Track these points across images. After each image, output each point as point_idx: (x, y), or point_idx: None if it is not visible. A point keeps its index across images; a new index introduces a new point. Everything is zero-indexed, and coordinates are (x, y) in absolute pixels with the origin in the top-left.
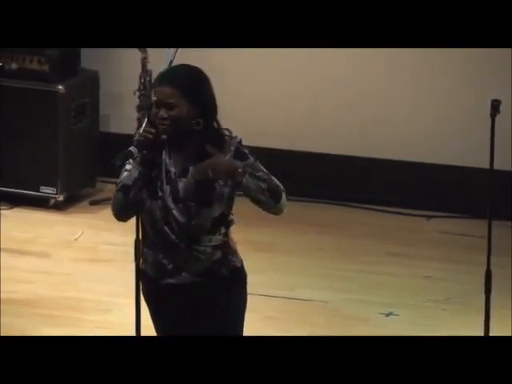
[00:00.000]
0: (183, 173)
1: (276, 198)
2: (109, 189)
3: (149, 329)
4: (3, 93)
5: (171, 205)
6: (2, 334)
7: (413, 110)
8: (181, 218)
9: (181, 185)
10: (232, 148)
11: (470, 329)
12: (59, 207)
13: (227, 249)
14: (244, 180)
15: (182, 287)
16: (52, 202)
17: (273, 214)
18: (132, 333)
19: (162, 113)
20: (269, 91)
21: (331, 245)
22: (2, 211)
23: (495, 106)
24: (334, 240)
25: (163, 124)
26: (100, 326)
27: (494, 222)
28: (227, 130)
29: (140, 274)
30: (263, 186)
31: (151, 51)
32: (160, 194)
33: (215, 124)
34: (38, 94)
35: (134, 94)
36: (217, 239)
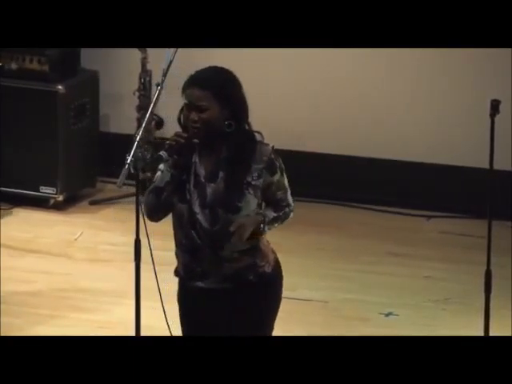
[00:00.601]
0: (212, 177)
1: (281, 223)
2: (109, 189)
3: (149, 329)
4: (3, 93)
5: (197, 209)
6: (2, 334)
7: (413, 110)
8: (205, 223)
9: (209, 190)
10: (264, 158)
11: (470, 329)
12: (59, 207)
13: (256, 253)
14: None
15: (210, 291)
16: (52, 202)
17: None
18: (132, 333)
19: (193, 116)
20: (269, 91)
21: (331, 245)
22: (2, 211)
23: (495, 106)
24: (334, 240)
25: (194, 127)
26: (100, 326)
27: (493, 222)
28: (259, 133)
29: (175, 274)
30: (276, 225)
31: (151, 51)
32: (188, 197)
33: (246, 126)
34: (37, 94)
35: (134, 94)
36: (244, 245)
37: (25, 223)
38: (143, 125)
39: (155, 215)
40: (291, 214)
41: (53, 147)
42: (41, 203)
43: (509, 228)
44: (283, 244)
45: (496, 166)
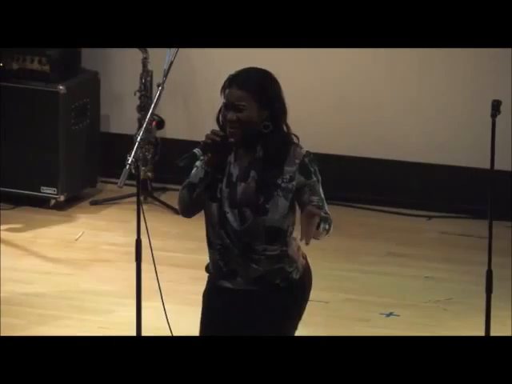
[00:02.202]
0: (244, 177)
1: (328, 233)
2: (109, 189)
3: (150, 329)
4: (4, 93)
5: (227, 209)
6: (3, 334)
7: (413, 110)
8: (234, 223)
9: (239, 189)
10: (297, 161)
11: (471, 329)
12: (60, 207)
13: (285, 259)
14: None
15: (235, 292)
16: (53, 202)
17: None
18: (133, 333)
19: (231, 115)
20: None
21: (332, 245)
22: (4, 211)
23: (496, 107)
24: (334, 240)
25: (232, 127)
26: (101, 327)
27: (494, 223)
28: (295, 136)
29: (206, 271)
30: (327, 227)
31: (152, 51)
32: (219, 195)
33: (285, 128)
34: (38, 94)
35: (135, 94)
36: (273, 249)
37: (26, 223)
38: (144, 125)
39: (187, 211)
40: (332, 227)
41: (53, 147)
42: (42, 203)
43: (509, 228)
44: None
45: (496, 167)
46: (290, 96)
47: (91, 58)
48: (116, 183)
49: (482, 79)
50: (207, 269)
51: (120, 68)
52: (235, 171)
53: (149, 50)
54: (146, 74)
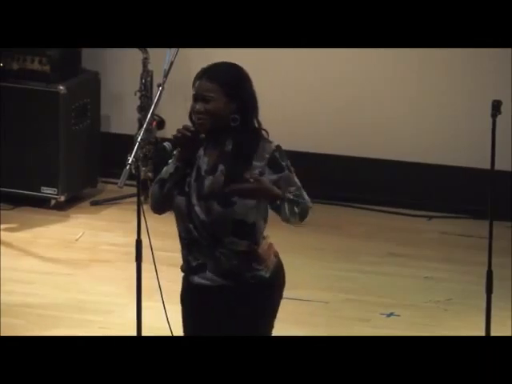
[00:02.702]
0: (212, 170)
1: (303, 217)
2: (110, 189)
3: (150, 329)
4: (4, 93)
5: (194, 201)
6: (3, 334)
7: (413, 110)
8: (202, 215)
9: (207, 182)
10: (267, 155)
11: (471, 329)
12: (60, 208)
13: (253, 257)
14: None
15: (205, 287)
16: (53, 202)
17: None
18: (133, 333)
19: (199, 106)
20: (269, 91)
21: (332, 245)
22: (4, 212)
23: (496, 107)
24: (334, 240)
25: (199, 118)
26: (101, 327)
27: (494, 223)
28: (265, 130)
29: (181, 269)
30: (297, 210)
31: (152, 52)
32: (187, 189)
33: (255, 123)
34: (38, 95)
35: (135, 94)
36: (241, 244)
37: (26, 224)
38: (144, 125)
39: (158, 207)
40: (309, 211)
41: (54, 148)
42: (42, 204)
43: (509, 228)
44: (284, 244)
45: (496, 167)
46: (290, 96)
47: (91, 58)
48: (116, 183)
49: (481, 79)
50: (182, 267)
51: (120, 68)
52: (204, 165)
53: (149, 50)
54: (147, 74)
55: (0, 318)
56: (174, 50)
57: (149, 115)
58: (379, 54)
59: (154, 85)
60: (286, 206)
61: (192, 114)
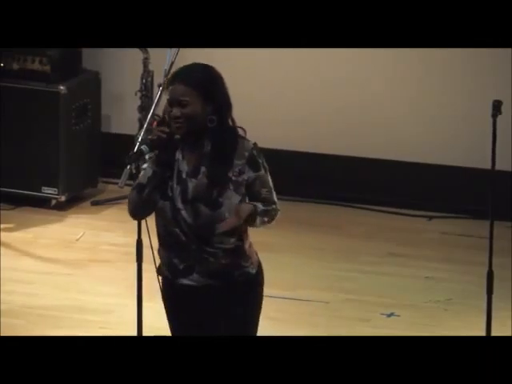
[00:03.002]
0: (195, 173)
1: (270, 222)
2: (110, 189)
3: (151, 329)
4: (5, 93)
5: (180, 205)
6: (3, 334)
7: (413, 110)
8: (189, 219)
9: (191, 185)
10: (246, 153)
11: (471, 329)
12: (61, 208)
13: (240, 254)
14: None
15: (193, 288)
16: (53, 202)
17: None
18: (134, 333)
19: (176, 111)
20: (271, 92)
21: (332, 245)
22: (4, 212)
23: (497, 107)
24: (335, 240)
25: (177, 122)
26: (102, 327)
27: (494, 223)
28: (242, 128)
29: (158, 273)
30: (266, 219)
31: (153, 52)
32: (170, 194)
33: (230, 122)
34: (39, 95)
35: (136, 94)
36: (228, 242)
37: (26, 224)
38: (145, 125)
39: (138, 213)
40: (278, 214)
41: (54, 148)
42: (43, 204)
43: (509, 228)
44: (285, 244)
45: (496, 167)
46: (290, 96)
47: (92, 58)
48: (117, 183)
49: (481, 79)
50: (160, 271)
51: (121, 68)
52: (184, 168)
53: (150, 50)
54: (147, 74)
55: (0, 318)
56: (174, 50)
57: (149, 115)
58: (379, 54)
59: (154, 85)
60: (258, 218)
61: (168, 118)
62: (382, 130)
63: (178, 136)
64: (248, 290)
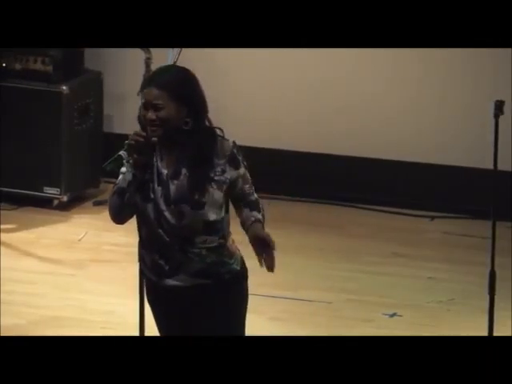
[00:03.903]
0: (175, 175)
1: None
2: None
3: (153, 329)
4: (7, 93)
5: (163, 207)
6: (4, 335)
7: (415, 110)
8: (172, 220)
9: (172, 187)
10: (227, 153)
11: (474, 329)
12: (63, 208)
13: (224, 251)
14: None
15: (181, 288)
16: (56, 202)
17: None
18: (135, 333)
19: (151, 114)
20: (271, 92)
21: (334, 245)
22: (6, 212)
23: (499, 107)
24: (337, 241)
25: (152, 125)
26: (104, 327)
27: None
28: (219, 129)
29: (143, 275)
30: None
31: (155, 51)
32: (152, 196)
33: (207, 123)
34: (41, 95)
35: (138, 94)
36: (212, 241)
37: (28, 224)
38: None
39: (119, 217)
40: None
41: (56, 148)
42: (44, 204)
43: (509, 229)
44: (287, 244)
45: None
46: (290, 96)
47: (94, 58)
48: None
49: (482, 79)
50: (144, 274)
51: (123, 68)
52: (164, 170)
53: (152, 50)
54: (149, 74)
55: (1, 318)
56: (176, 49)
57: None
58: (379, 55)
59: None
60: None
61: (143, 121)
62: (383, 130)
63: (155, 138)
64: (235, 286)
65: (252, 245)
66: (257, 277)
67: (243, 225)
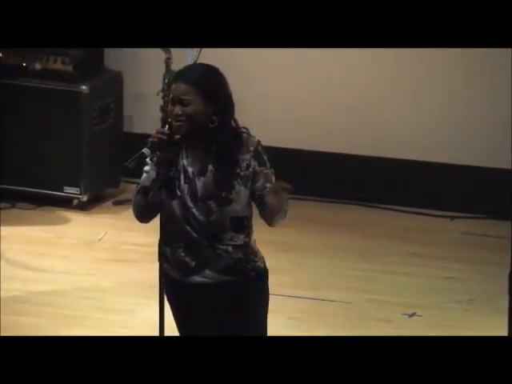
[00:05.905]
0: (202, 172)
1: (285, 216)
2: (132, 189)
3: (172, 329)
4: (27, 93)
5: (190, 203)
6: (24, 334)
7: (438, 109)
8: (200, 217)
9: (199, 184)
10: (251, 148)
11: (493, 330)
12: (83, 207)
13: (249, 249)
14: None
15: (207, 285)
16: (75, 202)
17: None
18: (155, 333)
19: (177, 109)
20: (280, 90)
21: (353, 245)
22: (26, 211)
23: None
24: (356, 241)
25: (178, 121)
26: (123, 326)
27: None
28: (245, 128)
29: (163, 274)
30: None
31: (175, 51)
32: (179, 193)
33: (233, 123)
34: (61, 95)
35: (158, 94)
36: (238, 239)
37: (48, 223)
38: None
39: (145, 216)
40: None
41: (76, 147)
42: (64, 203)
43: None
44: (306, 244)
45: (505, 166)
46: (291, 96)
47: (114, 57)
48: (138, 183)
49: (481, 79)
50: (167, 272)
51: (143, 68)
52: (190, 167)
53: (172, 50)
54: (169, 74)
55: (22, 318)
56: (196, 50)
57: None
58: (380, 54)
59: None
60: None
61: (170, 117)
62: (403, 130)
63: (177, 136)
64: (259, 284)
65: (270, 199)
66: (276, 277)
67: (261, 204)
